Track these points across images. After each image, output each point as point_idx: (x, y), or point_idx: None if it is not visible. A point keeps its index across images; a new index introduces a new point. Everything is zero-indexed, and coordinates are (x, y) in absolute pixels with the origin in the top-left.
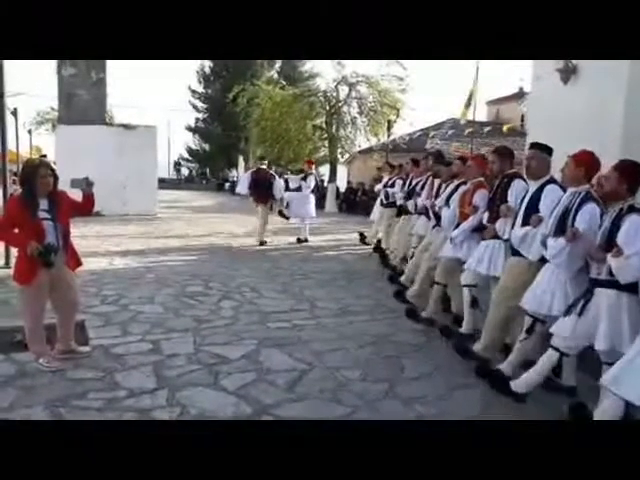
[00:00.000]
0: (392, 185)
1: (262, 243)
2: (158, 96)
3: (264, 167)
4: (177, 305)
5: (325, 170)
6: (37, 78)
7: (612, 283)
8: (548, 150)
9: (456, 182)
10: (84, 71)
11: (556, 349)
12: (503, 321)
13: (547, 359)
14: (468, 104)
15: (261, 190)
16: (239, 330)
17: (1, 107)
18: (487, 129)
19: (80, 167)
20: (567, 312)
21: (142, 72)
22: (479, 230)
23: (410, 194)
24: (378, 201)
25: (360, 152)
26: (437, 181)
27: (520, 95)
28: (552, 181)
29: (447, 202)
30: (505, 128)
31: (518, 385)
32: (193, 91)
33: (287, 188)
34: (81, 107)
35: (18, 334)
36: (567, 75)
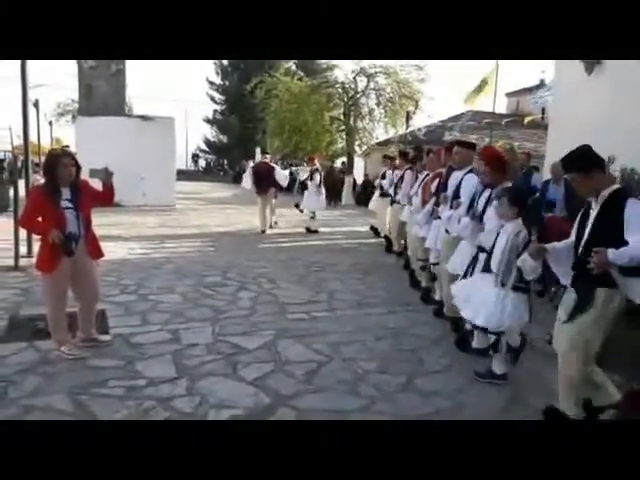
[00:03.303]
0: (385, 176)
1: (271, 226)
2: (176, 88)
3: (266, 160)
4: (196, 295)
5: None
6: (58, 69)
7: (482, 248)
8: (471, 146)
9: (425, 173)
10: (104, 63)
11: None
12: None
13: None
14: (479, 92)
15: (262, 181)
16: (257, 321)
17: (24, 100)
18: (506, 120)
19: (99, 158)
20: (463, 275)
21: (160, 64)
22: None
23: (396, 186)
24: (376, 192)
25: (378, 144)
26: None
27: (538, 87)
28: (470, 171)
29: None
30: (526, 120)
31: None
32: (211, 83)
33: (301, 183)
34: (100, 98)
35: (40, 322)
36: (592, 65)
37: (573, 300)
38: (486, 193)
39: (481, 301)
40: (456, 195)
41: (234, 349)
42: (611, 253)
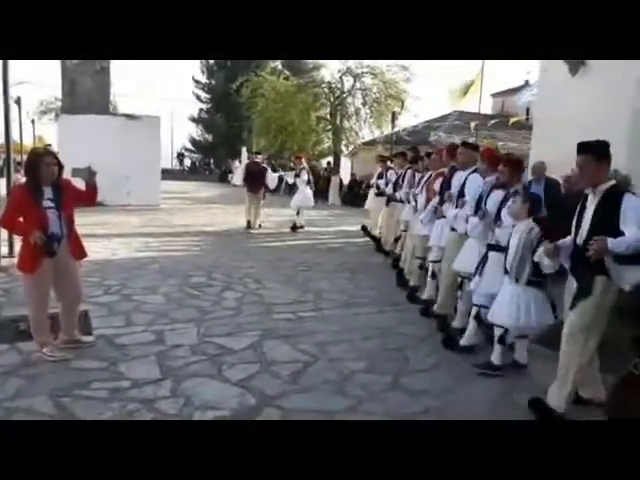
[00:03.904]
0: (381, 176)
1: (252, 227)
2: (162, 86)
3: (258, 160)
4: (180, 295)
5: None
6: (41, 66)
7: (494, 247)
8: (474, 147)
9: (429, 173)
10: (88, 60)
11: (475, 305)
12: (450, 284)
13: (471, 315)
14: (465, 92)
15: (254, 181)
16: (242, 321)
17: (6, 98)
18: (492, 121)
19: (83, 156)
20: (475, 273)
21: (145, 62)
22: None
23: (396, 185)
24: (372, 191)
25: (364, 144)
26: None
27: (523, 88)
28: (475, 171)
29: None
30: (511, 121)
31: (464, 341)
32: (197, 82)
33: (289, 187)
34: (84, 96)
35: (22, 323)
36: (576, 67)
37: (575, 289)
38: (497, 192)
39: (500, 299)
40: (460, 194)
41: (219, 350)
42: (610, 242)
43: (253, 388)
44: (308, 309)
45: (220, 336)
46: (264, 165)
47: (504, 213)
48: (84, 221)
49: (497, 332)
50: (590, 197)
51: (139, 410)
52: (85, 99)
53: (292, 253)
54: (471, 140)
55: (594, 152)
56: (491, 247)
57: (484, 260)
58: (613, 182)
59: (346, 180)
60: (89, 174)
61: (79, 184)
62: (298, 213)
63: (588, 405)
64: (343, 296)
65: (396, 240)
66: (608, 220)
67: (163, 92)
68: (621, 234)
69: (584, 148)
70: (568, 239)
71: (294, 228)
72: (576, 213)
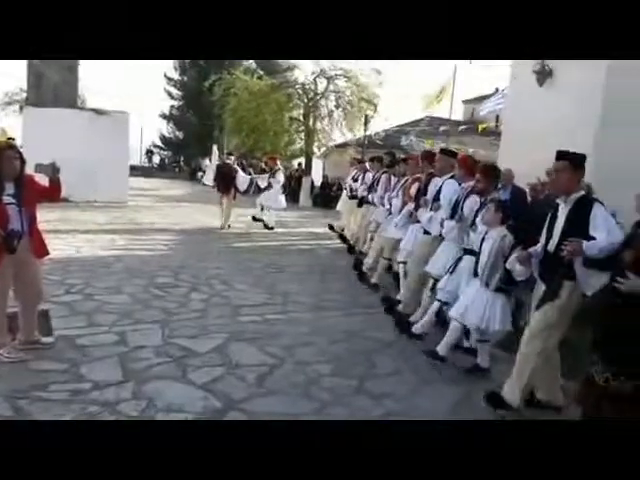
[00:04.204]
0: (357, 179)
1: (222, 227)
2: (132, 82)
3: (229, 162)
4: (146, 296)
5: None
6: None
7: (469, 251)
8: (452, 154)
9: (405, 177)
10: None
11: (438, 300)
12: (417, 284)
13: (432, 308)
14: (438, 99)
15: (224, 182)
16: (209, 323)
17: None
18: (462, 127)
19: (49, 151)
20: (446, 272)
21: None
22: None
23: (370, 188)
24: (344, 193)
25: (336, 146)
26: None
27: (493, 95)
28: (452, 177)
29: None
30: (480, 128)
31: (417, 329)
32: (169, 78)
33: (259, 189)
34: (51, 89)
35: None
36: (543, 77)
37: (542, 292)
38: (473, 198)
39: (470, 301)
40: (436, 199)
41: (184, 352)
42: (584, 244)
43: (218, 391)
44: (276, 311)
45: (185, 338)
46: (235, 167)
47: (479, 219)
48: (48, 217)
49: (474, 337)
50: (561, 206)
51: (100, 413)
52: (52, 92)
53: (261, 254)
54: (443, 146)
55: (572, 160)
56: (466, 251)
57: (458, 262)
58: (583, 192)
59: (317, 182)
60: (53, 170)
61: (43, 180)
62: (262, 208)
63: (545, 408)
64: (312, 298)
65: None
66: (579, 227)
67: (134, 88)
68: (591, 239)
69: (563, 155)
70: (538, 247)
71: (255, 219)
72: (547, 221)
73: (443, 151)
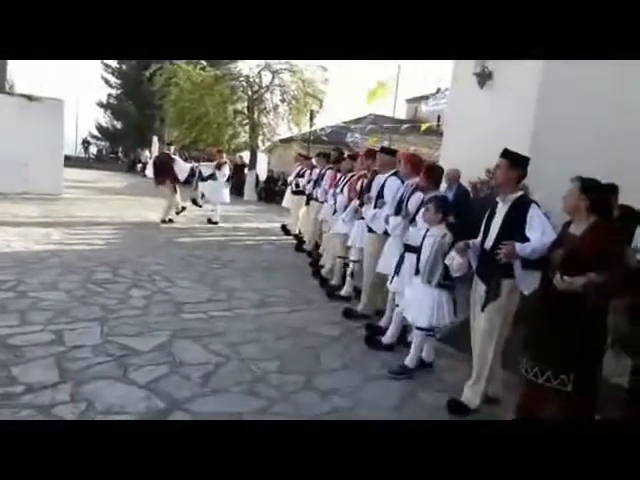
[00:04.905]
0: (302, 175)
1: (164, 221)
2: (66, 67)
3: (167, 152)
4: (83, 293)
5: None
6: None
7: (410, 247)
8: (392, 152)
9: (350, 174)
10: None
11: (397, 305)
12: (372, 285)
13: (396, 317)
14: (377, 94)
15: (162, 172)
16: (151, 321)
17: None
18: (405, 126)
19: None
20: (394, 274)
21: None
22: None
23: (315, 183)
24: (289, 189)
25: (281, 141)
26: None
27: (436, 95)
28: (394, 174)
29: (342, 190)
30: (423, 127)
31: (386, 338)
32: (106, 65)
33: (201, 177)
34: None
35: None
36: (483, 80)
37: (483, 291)
38: (418, 194)
39: (417, 301)
40: (379, 196)
41: (125, 351)
42: (518, 246)
43: (161, 391)
44: (220, 308)
45: (126, 336)
46: (173, 156)
47: (419, 216)
48: None
49: (417, 336)
50: (500, 205)
51: (34, 417)
52: None
53: (205, 250)
54: (386, 144)
55: (510, 158)
56: (406, 248)
57: (401, 261)
58: (521, 193)
59: (263, 176)
60: None
61: None
62: (203, 195)
63: (495, 403)
64: (257, 295)
65: (316, 243)
66: (515, 227)
67: (69, 73)
68: (527, 240)
69: (504, 153)
70: (477, 241)
71: (210, 222)
72: (485, 218)
73: (383, 149)
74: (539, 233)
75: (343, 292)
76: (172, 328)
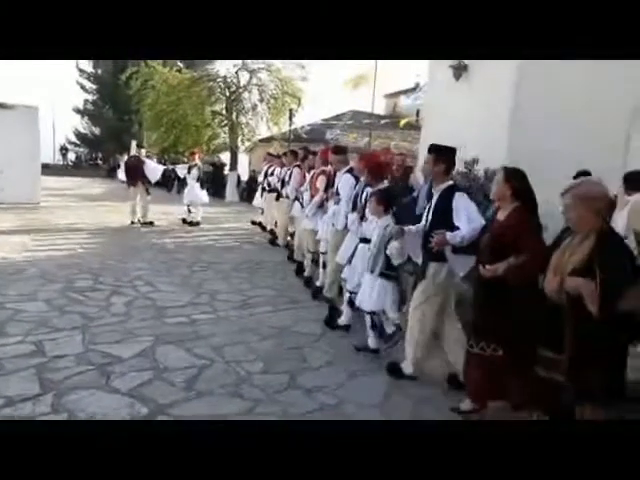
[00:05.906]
0: (272, 174)
1: (144, 223)
2: (41, 73)
3: (137, 154)
4: (63, 302)
5: (226, 158)
6: None
7: (365, 239)
8: (342, 150)
9: (313, 171)
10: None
11: (347, 290)
12: (333, 271)
13: (344, 299)
14: (355, 84)
15: (132, 174)
16: (133, 327)
17: None
18: (384, 121)
19: None
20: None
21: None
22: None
23: (283, 182)
24: (260, 187)
25: (261, 140)
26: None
27: (414, 90)
28: (348, 171)
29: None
30: (401, 123)
31: (341, 320)
32: (81, 70)
33: (177, 178)
34: None
35: None
36: (459, 72)
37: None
38: (367, 190)
39: (364, 287)
40: (338, 193)
41: (107, 359)
42: (448, 235)
43: (145, 397)
44: (203, 311)
45: (108, 344)
46: (143, 158)
47: (367, 210)
48: None
49: (368, 319)
50: (434, 194)
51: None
52: None
53: (187, 252)
54: (366, 140)
55: (436, 152)
56: (361, 239)
57: (354, 251)
58: (451, 183)
59: (244, 176)
60: None
61: None
62: (190, 211)
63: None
64: (239, 296)
65: (291, 236)
66: (443, 215)
67: (43, 80)
68: (456, 228)
69: (429, 149)
70: (414, 227)
71: (190, 223)
72: (425, 207)
73: (334, 149)
74: (465, 220)
75: (318, 282)
76: (155, 333)
